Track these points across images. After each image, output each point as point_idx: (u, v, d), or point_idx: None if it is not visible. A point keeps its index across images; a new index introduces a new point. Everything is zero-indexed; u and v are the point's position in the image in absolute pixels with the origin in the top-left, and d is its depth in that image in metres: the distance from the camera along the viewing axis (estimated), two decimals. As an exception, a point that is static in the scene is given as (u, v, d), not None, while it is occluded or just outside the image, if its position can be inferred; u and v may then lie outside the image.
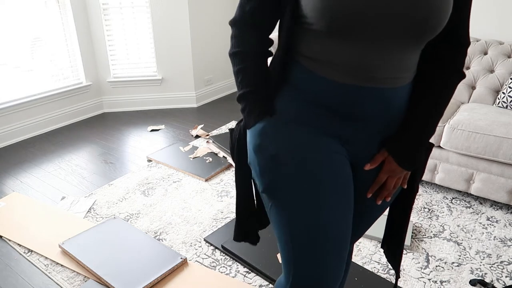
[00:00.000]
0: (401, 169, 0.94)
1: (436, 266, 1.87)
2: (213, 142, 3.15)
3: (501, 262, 1.90)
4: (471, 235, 2.09)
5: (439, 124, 2.30)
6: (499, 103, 2.49)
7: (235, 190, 2.53)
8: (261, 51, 0.94)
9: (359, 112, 0.88)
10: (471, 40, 2.76)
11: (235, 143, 1.03)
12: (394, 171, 0.95)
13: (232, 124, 3.60)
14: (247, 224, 1.13)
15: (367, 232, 2.06)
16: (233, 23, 0.94)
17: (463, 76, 0.94)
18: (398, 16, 0.78)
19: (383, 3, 0.77)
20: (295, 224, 0.87)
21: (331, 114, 0.89)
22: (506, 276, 1.82)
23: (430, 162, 2.40)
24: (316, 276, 0.87)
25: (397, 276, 1.18)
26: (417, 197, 2.42)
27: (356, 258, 1.93)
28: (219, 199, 2.44)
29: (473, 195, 2.44)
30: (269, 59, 2.82)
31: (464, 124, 2.22)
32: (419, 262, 1.90)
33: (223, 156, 2.94)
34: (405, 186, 1.01)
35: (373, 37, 0.80)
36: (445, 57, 0.92)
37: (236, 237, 1.16)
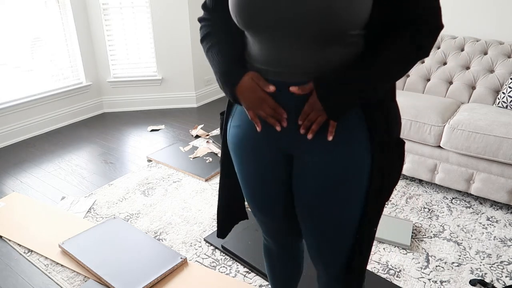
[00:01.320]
0: (320, 106, 0.89)
1: (436, 266, 1.87)
2: (213, 142, 3.15)
3: (501, 262, 1.90)
4: (471, 235, 2.09)
5: (439, 124, 2.30)
6: (499, 103, 2.49)
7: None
8: (227, 28, 1.01)
9: (283, 106, 0.94)
10: (471, 39, 2.76)
11: (222, 132, 1.16)
12: (314, 104, 0.90)
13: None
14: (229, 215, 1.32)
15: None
16: (199, 19, 1.08)
17: (422, 51, 0.88)
18: (291, 16, 0.82)
19: (276, 5, 0.82)
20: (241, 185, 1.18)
21: None
22: (506, 276, 1.82)
23: (430, 162, 2.40)
24: (259, 222, 1.24)
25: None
26: (417, 197, 2.42)
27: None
28: (219, 199, 2.44)
29: (473, 195, 2.44)
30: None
31: (464, 124, 2.22)
32: (419, 262, 1.90)
33: (223, 156, 2.94)
34: (330, 138, 0.93)
35: (274, 35, 0.87)
36: (403, 32, 0.87)
37: (219, 233, 1.33)
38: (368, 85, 0.87)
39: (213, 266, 1.90)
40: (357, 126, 0.94)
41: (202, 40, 1.05)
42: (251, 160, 1.07)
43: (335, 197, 0.98)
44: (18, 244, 2.07)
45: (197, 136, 3.36)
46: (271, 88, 0.92)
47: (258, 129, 0.98)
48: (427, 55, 0.88)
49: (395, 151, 0.99)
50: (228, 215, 1.31)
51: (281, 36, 0.86)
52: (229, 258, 1.96)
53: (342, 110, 0.89)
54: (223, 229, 1.32)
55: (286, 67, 0.90)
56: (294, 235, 1.24)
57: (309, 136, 0.93)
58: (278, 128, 0.95)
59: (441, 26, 0.87)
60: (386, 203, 1.04)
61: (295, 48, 0.87)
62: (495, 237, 2.07)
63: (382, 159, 0.96)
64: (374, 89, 0.88)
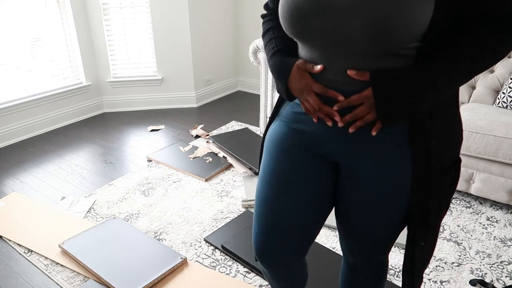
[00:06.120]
0: (373, 102, 0.81)
1: (436, 266, 1.87)
2: (213, 142, 3.15)
3: (501, 262, 1.90)
4: (471, 235, 2.09)
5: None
6: (499, 103, 2.49)
7: (235, 190, 2.53)
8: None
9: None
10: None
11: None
12: (367, 98, 0.81)
13: (232, 124, 3.60)
14: None
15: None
16: (262, 15, 1.07)
17: (505, 46, 0.77)
18: (342, 28, 0.78)
19: (326, 15, 0.78)
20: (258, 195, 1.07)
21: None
22: (506, 276, 1.82)
23: (430, 162, 2.40)
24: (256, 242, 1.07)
25: None
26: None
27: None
28: (219, 199, 2.44)
29: (473, 195, 2.44)
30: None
31: (464, 124, 2.22)
32: (419, 262, 1.90)
33: (223, 156, 2.94)
34: (374, 133, 0.85)
35: (323, 45, 0.83)
36: (480, 32, 0.77)
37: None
38: (436, 86, 0.76)
39: (213, 266, 1.90)
40: (401, 142, 0.85)
41: (263, 35, 1.04)
42: (283, 158, 1.00)
43: (378, 209, 0.95)
44: (18, 244, 2.07)
45: (197, 136, 3.36)
46: (318, 68, 0.85)
47: (315, 120, 0.91)
48: (506, 54, 0.78)
49: (445, 177, 0.89)
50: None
51: (330, 46, 0.82)
52: (229, 258, 1.96)
53: (398, 115, 0.79)
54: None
55: (336, 78, 0.85)
56: (296, 254, 1.08)
57: (350, 130, 0.85)
58: (329, 123, 0.88)
59: None
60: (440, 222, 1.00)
61: (344, 59, 0.82)
62: (495, 237, 2.07)
63: (425, 189, 0.87)
64: (441, 94, 0.79)
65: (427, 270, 1.85)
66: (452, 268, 1.86)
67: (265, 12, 1.07)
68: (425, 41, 0.76)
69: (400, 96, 0.77)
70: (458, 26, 0.78)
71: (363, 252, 1.09)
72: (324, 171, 0.99)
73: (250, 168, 2.73)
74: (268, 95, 3.12)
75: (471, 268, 1.86)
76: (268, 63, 0.98)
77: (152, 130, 3.51)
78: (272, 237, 1.03)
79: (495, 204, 2.35)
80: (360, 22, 0.75)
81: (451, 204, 2.34)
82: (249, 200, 2.34)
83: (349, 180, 0.96)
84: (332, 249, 1.96)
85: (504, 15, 0.75)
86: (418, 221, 0.92)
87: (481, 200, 2.40)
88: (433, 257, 1.93)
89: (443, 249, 1.99)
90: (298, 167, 0.99)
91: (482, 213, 2.27)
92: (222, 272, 1.87)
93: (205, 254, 1.99)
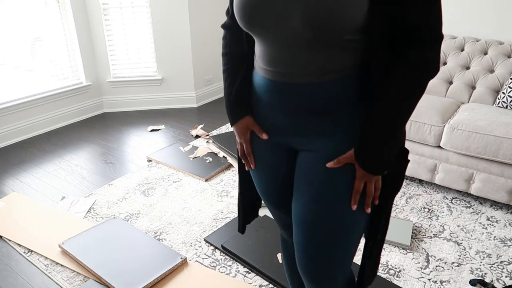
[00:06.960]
0: (371, 176, 0.91)
1: (436, 266, 1.87)
2: (213, 142, 3.15)
3: (501, 262, 1.90)
4: (471, 235, 2.09)
5: (439, 124, 2.30)
6: (499, 103, 2.49)
7: (235, 190, 2.53)
8: (243, 52, 1.06)
9: (280, 105, 0.96)
10: (471, 39, 2.76)
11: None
12: (367, 176, 0.92)
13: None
14: (250, 213, 1.33)
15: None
16: (222, 26, 1.11)
17: (424, 71, 0.85)
18: (283, 19, 0.84)
19: (269, 7, 0.84)
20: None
21: (268, 107, 1.00)
22: (506, 276, 1.82)
23: (430, 162, 2.40)
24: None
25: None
26: (417, 197, 2.42)
27: (357, 258, 1.93)
28: (219, 199, 2.44)
29: (473, 195, 2.44)
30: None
31: (464, 124, 2.22)
32: (419, 262, 1.90)
33: (223, 156, 2.94)
34: (376, 202, 0.96)
35: (272, 36, 0.88)
36: (403, 53, 0.84)
37: (241, 228, 1.35)
38: (394, 130, 0.88)
39: (213, 266, 1.90)
40: (355, 135, 0.93)
41: (222, 55, 1.11)
42: (261, 154, 1.11)
43: (327, 199, 0.96)
44: (18, 244, 2.07)
45: (197, 136, 3.36)
46: (264, 136, 1.04)
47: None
48: (437, 70, 0.86)
49: (387, 173, 0.96)
50: (249, 207, 1.33)
51: (278, 37, 0.87)
52: (229, 258, 1.96)
53: (386, 162, 0.91)
54: (245, 223, 1.35)
55: (286, 68, 0.91)
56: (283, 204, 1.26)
57: (368, 211, 0.96)
58: (247, 168, 1.16)
59: (440, 38, 0.83)
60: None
61: (292, 49, 0.88)
62: (495, 237, 2.07)
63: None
64: (400, 128, 0.90)
65: (427, 270, 1.85)
66: (452, 268, 1.86)
67: (226, 20, 1.10)
68: (368, 34, 0.83)
69: (379, 158, 0.90)
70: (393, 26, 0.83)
71: (319, 269, 1.02)
72: (288, 157, 1.09)
73: (250, 168, 2.73)
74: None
75: (471, 268, 1.86)
76: (225, 95, 1.10)
77: (152, 130, 3.51)
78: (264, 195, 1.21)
79: (495, 204, 2.35)
80: (301, 9, 0.80)
81: (451, 204, 2.35)
82: (249, 200, 2.34)
83: (301, 170, 1.02)
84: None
85: (423, 36, 0.82)
86: (384, 204, 1.00)
87: (481, 200, 2.40)
88: (433, 257, 1.93)
89: (443, 249, 1.99)
90: (272, 160, 1.10)
91: (482, 213, 2.27)
92: (222, 272, 1.87)
93: (205, 254, 1.99)
